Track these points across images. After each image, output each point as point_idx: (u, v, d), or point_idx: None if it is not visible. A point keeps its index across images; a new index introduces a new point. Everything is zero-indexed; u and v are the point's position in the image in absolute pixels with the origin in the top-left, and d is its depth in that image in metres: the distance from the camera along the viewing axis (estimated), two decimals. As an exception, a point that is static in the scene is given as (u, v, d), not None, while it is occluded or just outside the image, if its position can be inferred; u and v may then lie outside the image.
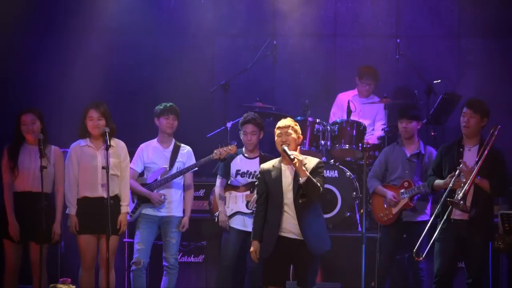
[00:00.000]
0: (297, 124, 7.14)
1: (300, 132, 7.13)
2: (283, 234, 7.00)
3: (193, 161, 8.54)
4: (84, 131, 7.93)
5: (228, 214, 8.45)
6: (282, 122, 7.10)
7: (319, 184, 6.93)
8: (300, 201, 6.93)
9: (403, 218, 8.32)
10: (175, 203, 8.48)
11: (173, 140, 8.58)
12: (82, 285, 7.85)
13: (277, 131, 7.09)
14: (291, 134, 7.03)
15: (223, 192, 8.51)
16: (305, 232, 6.95)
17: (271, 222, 7.04)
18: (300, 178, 6.90)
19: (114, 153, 7.90)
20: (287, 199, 6.99)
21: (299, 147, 7.11)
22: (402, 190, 8.30)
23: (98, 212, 7.69)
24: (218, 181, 8.55)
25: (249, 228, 8.35)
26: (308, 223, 6.97)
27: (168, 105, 8.50)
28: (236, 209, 8.44)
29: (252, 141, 8.39)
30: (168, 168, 8.48)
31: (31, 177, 7.84)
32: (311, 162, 7.06)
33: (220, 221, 8.46)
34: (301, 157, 6.96)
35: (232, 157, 8.49)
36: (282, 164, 7.06)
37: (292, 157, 6.90)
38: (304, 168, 6.90)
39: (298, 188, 6.94)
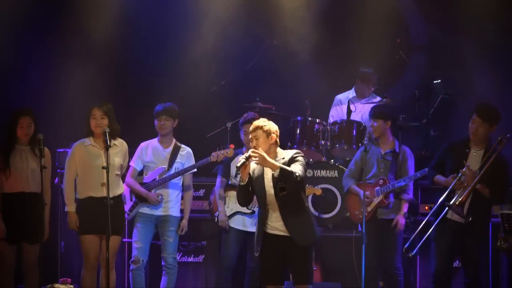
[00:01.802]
0: (269, 123, 7.05)
1: (274, 130, 7.01)
2: (271, 231, 6.99)
3: (192, 162, 8.55)
4: (88, 131, 7.93)
5: (228, 214, 8.46)
6: (251, 127, 7.05)
7: (294, 170, 6.85)
8: (280, 195, 6.92)
9: (378, 216, 8.31)
10: (172, 203, 8.49)
11: (174, 141, 8.59)
12: (84, 285, 7.83)
13: (249, 137, 7.09)
14: (259, 138, 6.98)
15: (223, 192, 8.52)
16: (289, 225, 6.93)
17: (258, 219, 7.06)
18: (273, 173, 6.89)
19: (118, 152, 7.91)
20: (269, 196, 6.98)
21: (273, 147, 7.03)
22: (377, 188, 8.31)
23: (103, 212, 7.66)
24: (218, 181, 8.57)
25: (249, 228, 8.37)
26: (291, 216, 6.94)
27: (161, 106, 8.52)
28: (236, 209, 8.45)
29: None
30: (166, 168, 8.49)
31: (24, 178, 7.85)
32: (288, 154, 7.02)
33: (219, 221, 8.47)
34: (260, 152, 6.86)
35: (232, 157, 8.50)
36: None
37: (247, 156, 6.85)
38: (272, 161, 6.83)
39: (277, 183, 6.92)
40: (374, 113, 8.47)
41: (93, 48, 10.02)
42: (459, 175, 7.50)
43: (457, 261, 8.23)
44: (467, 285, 7.63)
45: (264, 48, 9.98)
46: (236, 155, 8.51)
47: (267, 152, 6.96)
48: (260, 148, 6.92)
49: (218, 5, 10.25)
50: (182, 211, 8.58)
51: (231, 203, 8.47)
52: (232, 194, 8.47)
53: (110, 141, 7.71)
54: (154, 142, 8.61)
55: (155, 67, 10.29)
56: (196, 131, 9.58)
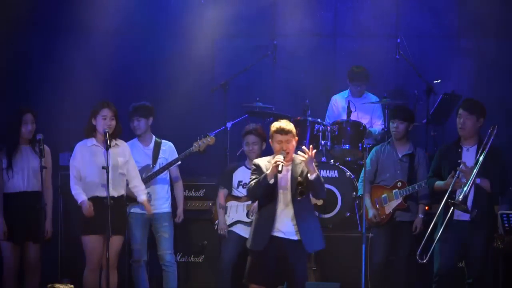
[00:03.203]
0: (292, 125, 7.10)
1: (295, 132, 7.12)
2: (275, 234, 6.95)
3: (175, 155, 8.60)
4: (91, 130, 7.90)
5: (229, 223, 8.47)
6: (283, 128, 6.98)
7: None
8: (298, 198, 6.90)
9: (397, 218, 8.33)
10: (162, 200, 8.53)
11: (153, 137, 8.65)
12: (86, 285, 7.83)
13: (277, 137, 7.00)
14: (291, 141, 6.99)
15: (224, 202, 8.53)
16: (302, 228, 6.92)
17: (264, 217, 6.99)
18: (309, 175, 6.84)
19: (121, 152, 7.91)
20: (281, 195, 6.95)
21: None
22: (395, 191, 8.31)
23: (106, 212, 7.64)
24: (220, 191, 8.57)
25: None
26: (305, 220, 6.96)
27: (131, 107, 8.57)
28: (236, 218, 8.46)
29: (254, 151, 8.40)
30: (151, 166, 8.50)
31: (26, 177, 7.84)
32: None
33: (219, 229, 8.49)
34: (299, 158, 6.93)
35: (234, 168, 8.53)
36: None
37: (300, 160, 6.88)
38: (314, 165, 6.85)
39: (296, 185, 6.91)
40: (401, 115, 8.40)
41: (93, 48, 10.02)
42: (457, 173, 7.51)
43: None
44: (469, 286, 7.64)
45: (264, 48, 9.97)
46: (237, 167, 8.53)
47: (290, 157, 6.96)
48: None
49: (218, 4, 10.25)
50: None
51: (232, 213, 8.48)
52: (233, 204, 8.49)
53: (110, 141, 7.71)
54: (135, 142, 8.64)
55: (154, 67, 10.29)
56: (196, 131, 9.56)
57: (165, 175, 8.56)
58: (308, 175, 6.87)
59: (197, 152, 8.51)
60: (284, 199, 6.96)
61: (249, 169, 8.37)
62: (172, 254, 8.53)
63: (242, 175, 8.51)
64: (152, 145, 8.61)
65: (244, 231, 8.39)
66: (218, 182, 8.71)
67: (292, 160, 7.04)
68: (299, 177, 6.94)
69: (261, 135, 8.44)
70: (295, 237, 6.96)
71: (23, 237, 7.83)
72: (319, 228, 7.13)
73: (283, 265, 7.00)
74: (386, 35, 10.17)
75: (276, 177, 6.96)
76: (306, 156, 6.86)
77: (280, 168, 6.85)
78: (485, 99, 8.05)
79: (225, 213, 8.50)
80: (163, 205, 8.53)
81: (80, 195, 7.75)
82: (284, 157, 6.94)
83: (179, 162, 8.60)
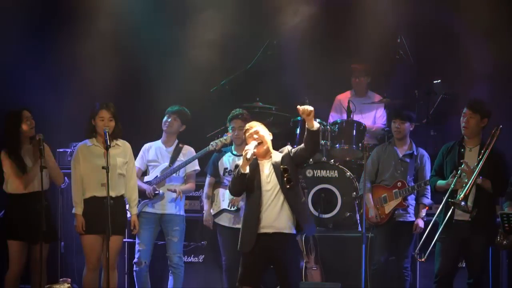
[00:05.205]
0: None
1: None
2: (262, 230, 6.91)
3: (194, 160, 8.56)
4: (91, 131, 7.91)
5: (216, 212, 8.49)
6: (250, 126, 7.09)
7: None
8: (287, 186, 6.86)
9: (396, 218, 8.35)
10: (175, 202, 8.50)
11: (176, 141, 8.67)
12: (86, 286, 7.83)
13: (246, 135, 7.06)
14: (259, 131, 7.01)
15: (211, 191, 8.56)
16: (299, 216, 6.89)
17: (250, 217, 6.95)
18: (310, 128, 6.89)
19: (121, 152, 7.91)
20: (266, 191, 6.91)
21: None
22: (395, 190, 8.31)
23: (105, 212, 7.63)
24: (207, 180, 8.59)
25: (235, 225, 8.33)
26: (299, 207, 6.92)
27: (176, 106, 8.63)
28: (223, 206, 8.48)
29: (240, 136, 8.39)
30: (168, 165, 8.51)
31: (31, 177, 7.81)
32: (283, 149, 7.06)
33: (204, 220, 8.52)
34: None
35: (220, 156, 8.54)
36: (257, 160, 7.02)
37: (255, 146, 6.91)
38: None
39: (282, 174, 6.88)
40: (402, 115, 8.44)
41: (94, 48, 10.03)
42: (459, 173, 7.52)
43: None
44: (470, 286, 7.64)
45: (264, 48, 9.97)
46: (224, 153, 8.53)
47: (267, 149, 6.96)
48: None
49: (218, 4, 10.26)
50: (186, 211, 8.67)
51: (219, 201, 8.49)
52: (221, 191, 8.50)
53: (110, 141, 7.71)
54: (157, 142, 8.71)
55: (155, 67, 10.29)
56: (196, 131, 9.58)
57: (181, 179, 8.58)
58: (309, 127, 6.90)
59: (213, 150, 8.52)
60: (270, 194, 6.92)
61: (235, 155, 8.41)
62: (181, 257, 8.53)
63: (227, 162, 8.52)
64: (173, 147, 8.64)
65: (228, 221, 8.39)
66: (205, 170, 8.71)
67: (271, 157, 7.02)
68: (281, 166, 6.92)
69: (247, 119, 8.40)
70: (287, 230, 6.91)
71: (29, 237, 7.80)
72: (309, 211, 7.08)
73: (275, 264, 6.96)
74: (386, 35, 10.18)
75: (258, 175, 6.94)
76: (304, 109, 6.89)
77: (248, 156, 6.83)
78: (485, 99, 8.05)
79: (212, 201, 8.51)
80: (175, 207, 8.52)
81: (77, 207, 7.80)
82: (255, 146, 6.93)
83: (198, 168, 8.62)
